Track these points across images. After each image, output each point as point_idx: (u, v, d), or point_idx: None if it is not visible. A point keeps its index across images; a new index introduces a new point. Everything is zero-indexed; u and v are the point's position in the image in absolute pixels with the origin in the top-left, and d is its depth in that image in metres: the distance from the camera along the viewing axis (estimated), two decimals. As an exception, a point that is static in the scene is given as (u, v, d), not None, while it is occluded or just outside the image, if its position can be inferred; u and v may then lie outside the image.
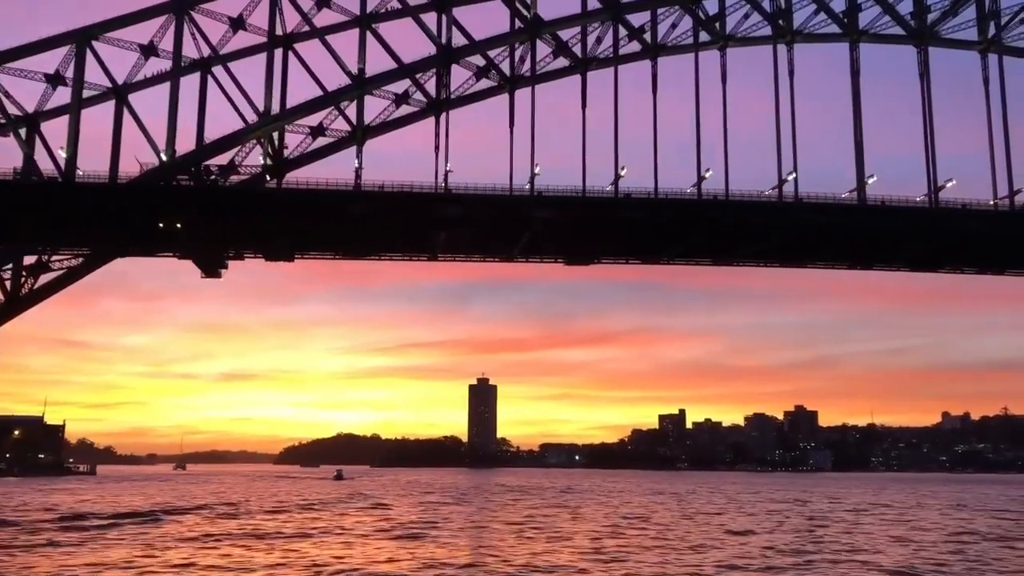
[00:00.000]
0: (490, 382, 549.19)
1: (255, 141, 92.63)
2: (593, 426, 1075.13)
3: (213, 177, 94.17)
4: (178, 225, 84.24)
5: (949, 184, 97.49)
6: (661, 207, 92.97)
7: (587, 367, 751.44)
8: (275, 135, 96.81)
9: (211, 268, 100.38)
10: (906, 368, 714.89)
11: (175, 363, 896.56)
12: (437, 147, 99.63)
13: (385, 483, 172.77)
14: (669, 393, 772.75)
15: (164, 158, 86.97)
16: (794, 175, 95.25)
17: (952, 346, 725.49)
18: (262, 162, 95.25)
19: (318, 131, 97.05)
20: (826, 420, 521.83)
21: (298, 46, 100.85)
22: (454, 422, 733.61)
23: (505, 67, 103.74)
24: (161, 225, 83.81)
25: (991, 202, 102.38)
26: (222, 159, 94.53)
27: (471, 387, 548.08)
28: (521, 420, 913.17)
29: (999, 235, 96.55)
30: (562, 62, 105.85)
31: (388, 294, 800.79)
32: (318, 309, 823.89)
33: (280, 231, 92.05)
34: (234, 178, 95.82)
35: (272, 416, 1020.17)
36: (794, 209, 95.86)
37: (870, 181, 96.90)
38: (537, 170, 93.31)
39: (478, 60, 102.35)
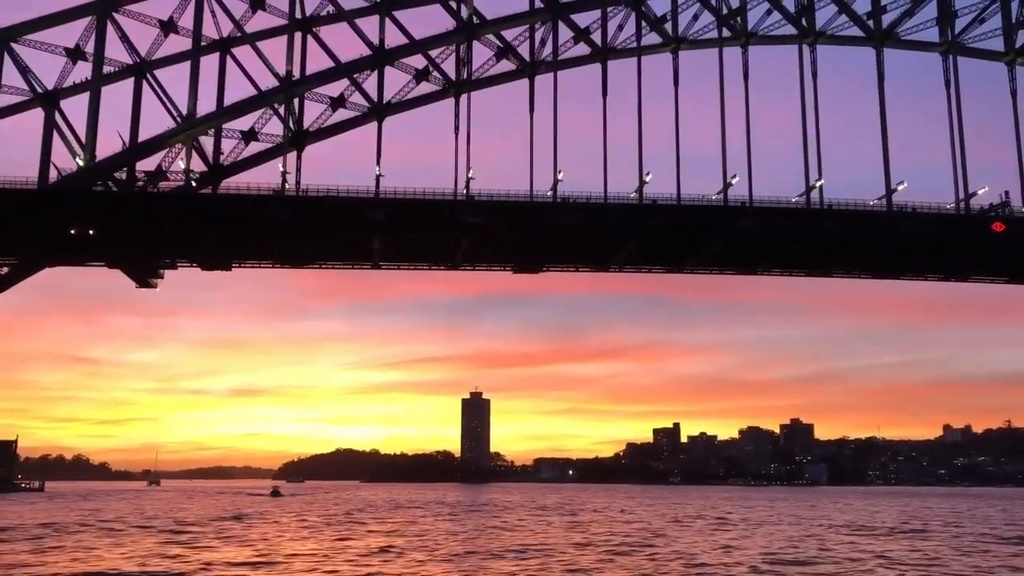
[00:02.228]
0: (484, 396, 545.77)
1: (181, 146, 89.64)
2: (599, 440, 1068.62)
3: (140, 183, 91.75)
4: (91, 232, 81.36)
5: (901, 187, 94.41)
6: (598, 212, 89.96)
7: (595, 382, 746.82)
8: (209, 141, 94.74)
9: (143, 278, 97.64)
10: (912, 382, 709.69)
11: (184, 379, 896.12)
12: (379, 151, 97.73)
13: (326, 500, 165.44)
14: (673, 408, 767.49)
15: (81, 163, 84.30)
16: (737, 179, 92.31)
17: (958, 359, 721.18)
18: (193, 168, 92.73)
19: (250, 136, 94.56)
20: (830, 434, 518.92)
21: (239, 50, 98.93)
22: (454, 437, 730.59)
23: (451, 71, 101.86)
24: (73, 232, 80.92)
25: (948, 205, 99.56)
26: (150, 164, 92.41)
27: (464, 401, 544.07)
28: (527, 435, 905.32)
29: (951, 238, 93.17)
30: (507, 65, 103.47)
31: (399, 309, 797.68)
32: (328, 324, 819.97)
33: (200, 238, 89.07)
34: (164, 184, 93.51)
35: (279, 432, 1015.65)
36: (742, 214, 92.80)
37: (818, 184, 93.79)
38: (471, 174, 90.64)
39: (419, 63, 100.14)
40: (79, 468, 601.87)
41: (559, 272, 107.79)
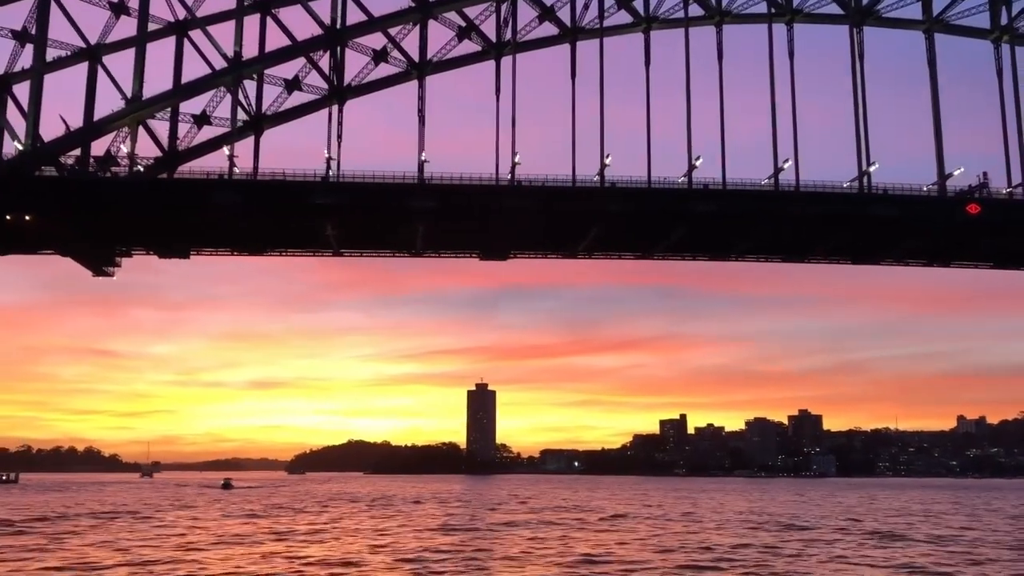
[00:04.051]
0: (489, 387, 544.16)
1: (128, 129, 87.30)
2: (614, 432, 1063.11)
3: (91, 169, 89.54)
4: (27, 218, 79.28)
5: (873, 168, 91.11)
6: (553, 195, 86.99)
7: (610, 373, 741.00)
8: (163, 126, 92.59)
9: (97, 266, 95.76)
10: (928, 373, 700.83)
11: (203, 371, 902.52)
12: (340, 136, 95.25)
13: (281, 493, 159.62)
14: (685, 399, 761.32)
15: (20, 148, 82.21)
16: (700, 160, 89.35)
17: (976, 350, 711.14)
18: (147, 154, 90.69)
19: (202, 119, 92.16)
20: (843, 425, 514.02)
21: (198, 33, 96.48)
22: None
23: (414, 53, 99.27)
24: (8, 218, 78.90)
25: (926, 187, 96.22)
26: (98, 150, 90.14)
27: (469, 393, 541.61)
28: (541, 427, 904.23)
29: (924, 221, 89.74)
30: (471, 46, 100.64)
31: (416, 301, 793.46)
32: (346, 316, 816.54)
33: (152, 225, 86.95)
34: (118, 170, 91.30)
35: (296, 424, 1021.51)
36: (704, 197, 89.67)
37: (786, 166, 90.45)
38: (424, 157, 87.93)
39: (378, 44, 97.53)
40: (90, 460, 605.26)
41: (526, 259, 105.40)
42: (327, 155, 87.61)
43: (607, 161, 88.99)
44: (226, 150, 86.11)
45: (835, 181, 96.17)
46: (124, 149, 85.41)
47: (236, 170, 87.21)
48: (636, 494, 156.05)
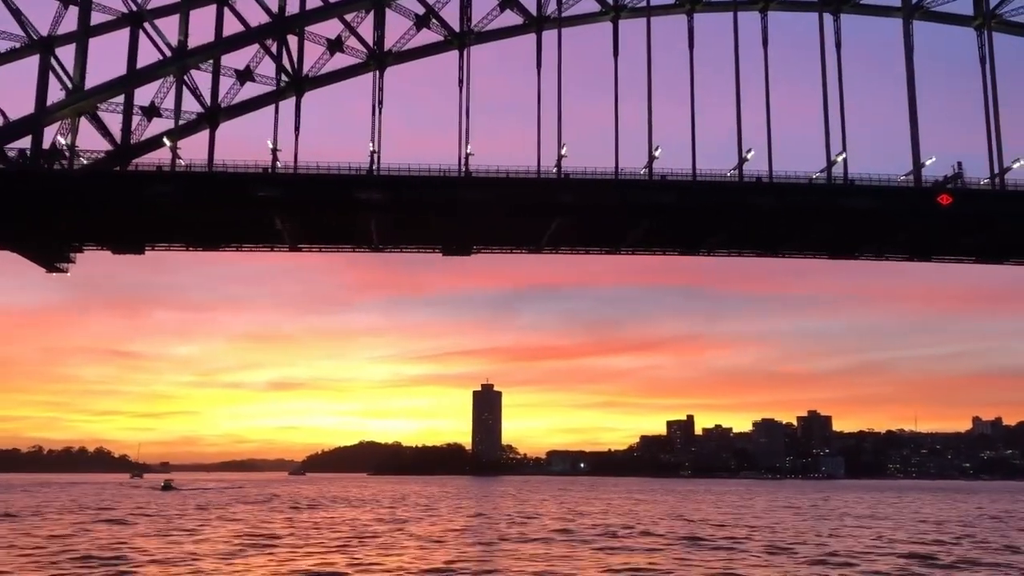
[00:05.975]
0: (495, 388, 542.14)
1: (69, 121, 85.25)
2: (628, 433, 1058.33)
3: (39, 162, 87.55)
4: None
5: (840, 158, 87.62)
6: (509, 187, 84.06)
7: (625, 375, 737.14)
8: (116, 120, 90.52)
9: (49, 263, 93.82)
10: (946, 374, 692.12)
11: (223, 372, 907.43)
12: (297, 127, 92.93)
13: (232, 494, 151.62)
14: (697, 400, 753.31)
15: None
16: (660, 151, 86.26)
17: (996, 351, 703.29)
18: (75, 145, 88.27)
19: (151, 112, 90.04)
20: (856, 426, 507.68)
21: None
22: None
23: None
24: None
25: (902, 177, 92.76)
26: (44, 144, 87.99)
27: (475, 394, 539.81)
28: (558, 428, 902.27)
29: (896, 213, 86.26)
30: (432, 35, 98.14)
31: (435, 303, 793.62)
32: (365, 318, 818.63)
33: (101, 220, 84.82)
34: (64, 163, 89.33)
35: (314, 424, 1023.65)
36: (665, 189, 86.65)
37: (749, 156, 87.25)
38: (373, 146, 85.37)
39: (332, 33, 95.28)
40: (99, 461, 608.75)
41: (491, 253, 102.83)
42: (271, 146, 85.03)
43: (563, 152, 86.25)
44: (167, 141, 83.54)
45: (810, 172, 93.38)
46: (63, 141, 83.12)
47: (181, 163, 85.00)
48: (598, 496, 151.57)
